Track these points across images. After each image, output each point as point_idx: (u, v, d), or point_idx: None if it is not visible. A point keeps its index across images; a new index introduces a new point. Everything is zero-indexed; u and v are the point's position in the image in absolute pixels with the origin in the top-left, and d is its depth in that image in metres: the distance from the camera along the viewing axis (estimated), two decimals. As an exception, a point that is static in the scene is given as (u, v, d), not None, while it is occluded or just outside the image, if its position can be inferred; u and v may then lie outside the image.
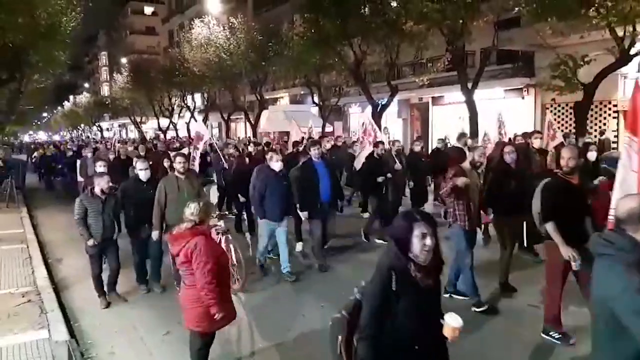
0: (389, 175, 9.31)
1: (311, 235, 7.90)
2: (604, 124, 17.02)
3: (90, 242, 6.21)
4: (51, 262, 8.72)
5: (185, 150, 12.89)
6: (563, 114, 18.43)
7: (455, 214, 5.95)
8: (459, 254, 5.99)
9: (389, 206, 9.47)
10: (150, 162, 8.46)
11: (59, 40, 17.54)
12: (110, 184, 6.40)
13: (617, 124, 16.61)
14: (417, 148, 11.11)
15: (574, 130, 14.07)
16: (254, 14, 33.00)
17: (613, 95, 16.55)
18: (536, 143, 8.72)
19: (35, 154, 25.78)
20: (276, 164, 7.26)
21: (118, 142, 24.59)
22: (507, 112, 19.38)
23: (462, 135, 11.36)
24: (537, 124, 18.01)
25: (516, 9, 13.25)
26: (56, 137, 74.94)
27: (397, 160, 10.13)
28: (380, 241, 9.02)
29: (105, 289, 6.57)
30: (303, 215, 7.67)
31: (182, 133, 37.07)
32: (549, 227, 4.84)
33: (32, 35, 15.89)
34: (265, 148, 13.19)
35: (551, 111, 18.85)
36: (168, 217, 6.56)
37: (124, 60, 55.24)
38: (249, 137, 26.43)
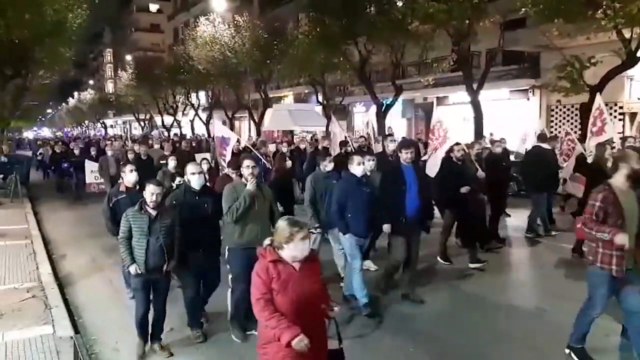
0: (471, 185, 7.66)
1: (391, 256, 6.34)
2: (610, 126, 16.93)
3: (132, 269, 4.74)
4: (55, 258, 8.73)
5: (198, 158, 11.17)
6: (568, 115, 18.37)
7: (597, 251, 4.33)
8: (589, 303, 4.55)
9: (472, 222, 7.85)
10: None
11: (64, 37, 17.62)
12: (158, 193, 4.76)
13: (623, 125, 16.54)
14: (498, 150, 9.27)
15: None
16: (260, 13, 33.01)
17: (619, 97, 16.46)
18: None
19: (41, 150, 23.52)
20: (357, 168, 6.05)
21: (132, 141, 20.62)
22: (512, 113, 19.64)
23: (553, 138, 9.57)
24: (543, 125, 17.93)
25: (523, 9, 13.19)
26: (59, 134, 75.08)
27: (477, 167, 8.14)
28: (476, 265, 7.58)
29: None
30: (385, 228, 6.15)
31: (186, 131, 37.14)
32: None
33: (38, 32, 15.97)
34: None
35: (556, 112, 18.82)
36: (231, 237, 5.16)
37: (128, 57, 55.43)
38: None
